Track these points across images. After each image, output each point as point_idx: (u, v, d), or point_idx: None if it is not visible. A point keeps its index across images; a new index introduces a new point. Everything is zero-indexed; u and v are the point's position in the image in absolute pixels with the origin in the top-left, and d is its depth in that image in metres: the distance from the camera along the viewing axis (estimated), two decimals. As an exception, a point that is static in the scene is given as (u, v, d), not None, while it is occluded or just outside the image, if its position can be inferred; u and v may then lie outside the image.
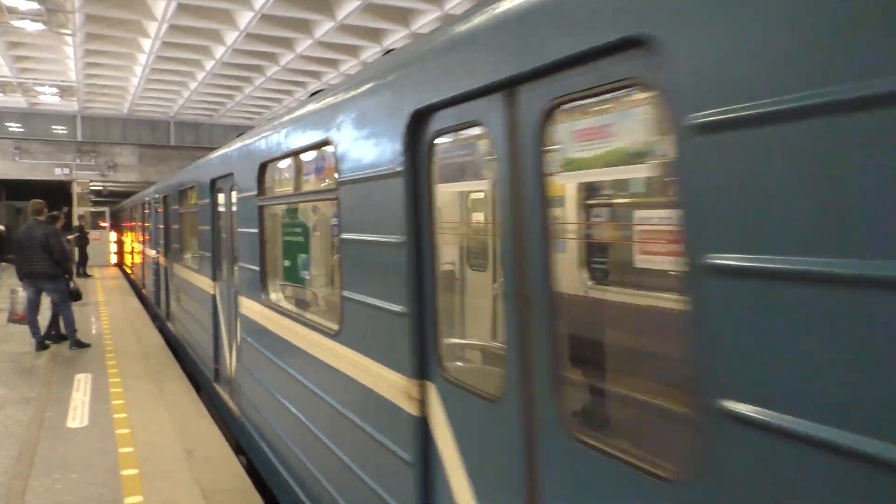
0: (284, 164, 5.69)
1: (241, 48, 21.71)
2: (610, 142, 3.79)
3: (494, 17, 2.37)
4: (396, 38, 20.06)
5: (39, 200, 11.20)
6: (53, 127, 33.18)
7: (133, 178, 33.36)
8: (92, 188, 33.59)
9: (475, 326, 4.62)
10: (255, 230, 5.82)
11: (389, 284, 3.15)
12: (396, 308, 3.08)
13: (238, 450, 6.77)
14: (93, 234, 28.78)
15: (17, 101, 30.26)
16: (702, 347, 1.57)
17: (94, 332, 12.91)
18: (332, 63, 23.84)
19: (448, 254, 5.17)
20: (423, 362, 2.96)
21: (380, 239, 3.24)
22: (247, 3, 17.79)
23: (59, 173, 32.09)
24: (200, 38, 20.96)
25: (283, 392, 5.10)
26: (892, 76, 1.18)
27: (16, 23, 18.28)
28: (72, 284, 11.87)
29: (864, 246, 1.23)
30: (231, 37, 20.66)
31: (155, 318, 14.92)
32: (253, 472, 6.21)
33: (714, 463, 1.55)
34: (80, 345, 11.17)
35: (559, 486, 2.14)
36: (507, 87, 2.31)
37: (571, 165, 4.28)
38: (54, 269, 10.81)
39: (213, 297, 8.22)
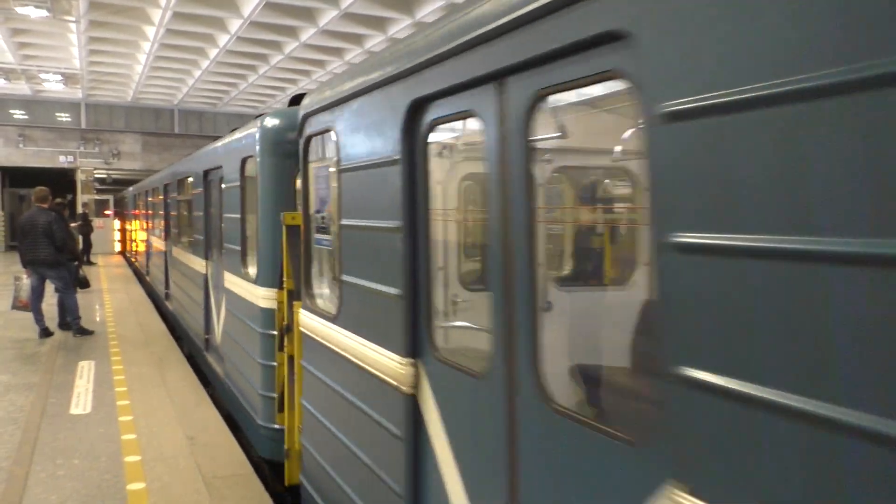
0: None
1: (246, 36, 21.63)
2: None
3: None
4: (401, 26, 19.97)
5: (43, 188, 11.21)
6: (57, 114, 33.17)
7: (137, 166, 33.35)
8: (96, 176, 33.61)
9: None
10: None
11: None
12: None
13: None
14: (97, 222, 28.83)
15: (21, 88, 30.23)
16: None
17: (97, 319, 12.95)
18: (337, 52, 23.75)
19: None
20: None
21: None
22: (251, -10, 17.75)
23: (62, 161, 32.11)
24: (204, 26, 20.89)
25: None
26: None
27: (20, 9, 18.22)
28: (81, 272, 11.91)
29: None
30: (235, 25, 20.59)
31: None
32: (252, 458, 6.25)
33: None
34: (84, 332, 11.21)
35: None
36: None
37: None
38: (57, 256, 10.83)
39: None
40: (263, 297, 6.00)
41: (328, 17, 19.51)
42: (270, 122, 6.17)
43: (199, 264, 9.35)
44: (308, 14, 19.81)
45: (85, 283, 12.46)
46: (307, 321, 4.49)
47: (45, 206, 11.00)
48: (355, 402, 3.68)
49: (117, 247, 32.22)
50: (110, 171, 33.73)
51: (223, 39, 22.20)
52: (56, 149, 32.14)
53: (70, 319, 11.28)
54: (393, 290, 3.18)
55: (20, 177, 32.39)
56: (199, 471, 5.67)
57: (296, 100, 6.01)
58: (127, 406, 7.41)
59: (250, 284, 6.34)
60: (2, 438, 6.40)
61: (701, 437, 1.55)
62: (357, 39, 22.14)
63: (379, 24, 20.39)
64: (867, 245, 1.21)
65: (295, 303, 4.89)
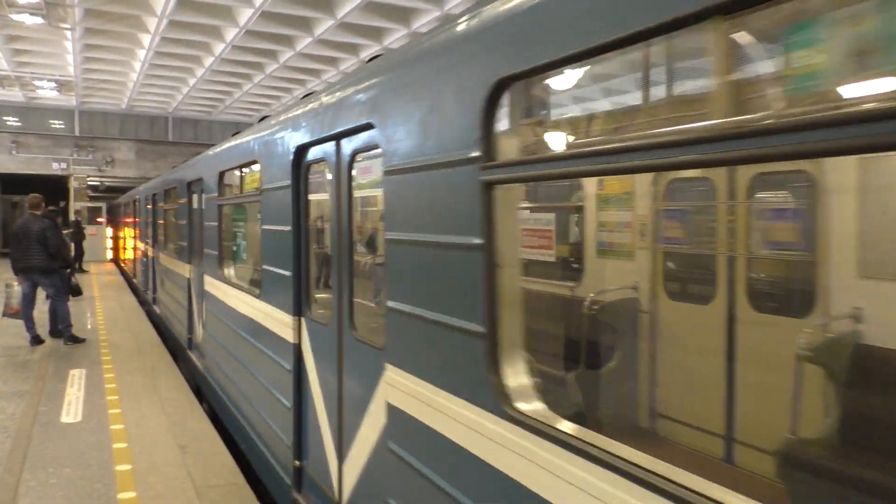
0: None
1: (241, 45, 21.68)
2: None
3: None
4: (396, 36, 20.07)
5: (37, 195, 11.18)
6: (51, 121, 33.08)
7: (131, 173, 33.27)
8: (89, 183, 33.49)
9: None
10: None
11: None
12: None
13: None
14: (89, 230, 28.73)
15: (15, 94, 30.18)
16: None
17: (88, 326, 12.89)
18: (332, 61, 23.83)
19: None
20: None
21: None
22: (247, -1, 17.79)
23: (56, 168, 31.98)
24: (200, 34, 20.93)
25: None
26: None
27: (15, 16, 18.21)
28: (73, 280, 11.86)
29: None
30: (231, 33, 20.63)
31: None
32: (245, 467, 6.22)
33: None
34: (75, 340, 11.15)
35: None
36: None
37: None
38: (50, 263, 10.79)
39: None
40: None
41: (324, 26, 19.58)
42: None
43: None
44: (304, 23, 19.88)
45: (77, 291, 12.42)
46: None
47: (39, 212, 10.97)
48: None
49: (109, 255, 32.15)
50: (104, 179, 33.62)
51: (219, 48, 22.24)
52: (50, 155, 32.01)
53: (62, 327, 11.22)
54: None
55: (13, 183, 32.26)
56: (191, 480, 5.64)
57: None
58: (118, 414, 7.37)
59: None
60: (-8, 446, 6.35)
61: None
62: (352, 49, 22.22)
63: (374, 33, 20.48)
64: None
65: None
